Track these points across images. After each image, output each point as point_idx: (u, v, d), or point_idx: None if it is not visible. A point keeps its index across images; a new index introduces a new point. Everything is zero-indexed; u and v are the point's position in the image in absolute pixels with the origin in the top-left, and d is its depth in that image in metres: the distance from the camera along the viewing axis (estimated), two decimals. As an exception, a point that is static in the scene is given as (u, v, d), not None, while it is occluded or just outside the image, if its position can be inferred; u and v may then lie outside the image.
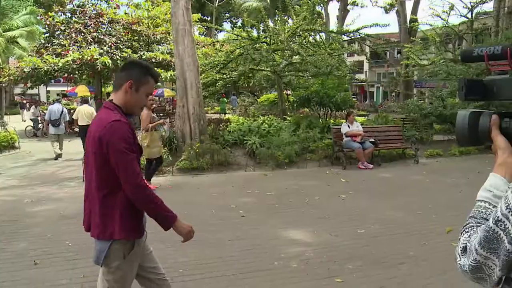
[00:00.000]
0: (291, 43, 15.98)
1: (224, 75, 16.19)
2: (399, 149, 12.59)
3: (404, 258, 5.02)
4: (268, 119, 13.65)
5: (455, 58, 19.66)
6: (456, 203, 7.24)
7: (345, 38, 18.49)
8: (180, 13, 11.70)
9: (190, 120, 11.84)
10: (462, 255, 1.11)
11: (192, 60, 11.87)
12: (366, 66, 45.97)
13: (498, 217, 0.99)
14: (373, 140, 11.55)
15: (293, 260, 4.96)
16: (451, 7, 21.31)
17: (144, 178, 8.75)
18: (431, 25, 22.40)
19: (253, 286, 4.30)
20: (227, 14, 57.70)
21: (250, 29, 17.64)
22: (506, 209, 0.97)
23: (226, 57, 16.25)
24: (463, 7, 22.30)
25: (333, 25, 34.45)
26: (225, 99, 29.86)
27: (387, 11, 35.05)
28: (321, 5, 25.14)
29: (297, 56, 15.90)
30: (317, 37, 17.42)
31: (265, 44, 15.88)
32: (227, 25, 56.92)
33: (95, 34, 20.13)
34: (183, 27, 11.73)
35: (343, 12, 38.73)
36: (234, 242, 5.60)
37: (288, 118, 14.66)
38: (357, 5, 39.61)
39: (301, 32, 15.94)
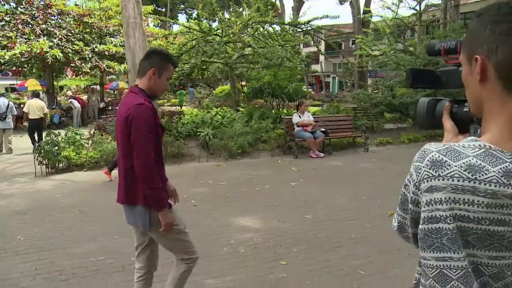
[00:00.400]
0: (243, 35, 16.05)
1: (177, 68, 16.12)
2: (349, 138, 12.90)
3: (346, 240, 5.30)
4: (222, 110, 13.73)
5: (405, 49, 20.23)
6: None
7: (299, 29, 18.69)
8: (131, 6, 11.60)
9: (143, 113, 11.81)
10: (396, 220, 1.30)
11: (143, 53, 11.79)
12: (322, 57, 46.44)
13: (405, 182, 1.18)
14: (323, 129, 11.83)
15: (241, 246, 5.16)
16: (400, -1, 21.88)
17: (109, 167, 8.67)
18: (381, 16, 22.94)
19: (202, 272, 4.44)
20: (182, 5, 57.16)
21: (205, 21, 17.55)
22: (409, 175, 1.16)
23: (178, 50, 16.19)
24: (412, -1, 22.93)
25: (288, 16, 34.72)
26: (183, 91, 29.76)
27: (341, 2, 35.59)
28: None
29: (249, 48, 15.99)
30: (270, 29, 17.54)
31: (217, 36, 15.91)
32: (182, 17, 56.47)
33: (44, 26, 19.44)
34: (133, 20, 11.64)
35: (298, 4, 39.11)
36: (185, 231, 5.73)
37: (241, 109, 14.78)
38: (312, -4, 40.04)
39: (253, 24, 16.03)
